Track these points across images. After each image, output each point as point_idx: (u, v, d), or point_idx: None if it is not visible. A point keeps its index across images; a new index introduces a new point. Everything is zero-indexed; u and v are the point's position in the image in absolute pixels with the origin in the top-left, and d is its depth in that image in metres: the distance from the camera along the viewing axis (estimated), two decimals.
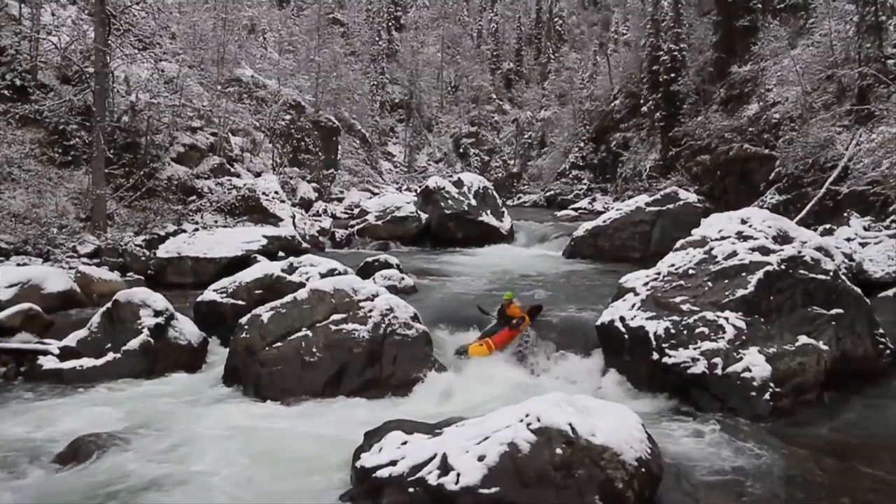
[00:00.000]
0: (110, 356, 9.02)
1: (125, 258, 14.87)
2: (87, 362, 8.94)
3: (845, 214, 16.04)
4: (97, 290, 12.26)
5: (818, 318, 8.27)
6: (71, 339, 9.36)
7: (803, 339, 7.88)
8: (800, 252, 8.68)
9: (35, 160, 15.82)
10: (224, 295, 10.77)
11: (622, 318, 8.60)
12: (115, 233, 15.82)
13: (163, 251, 15.05)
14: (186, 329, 9.74)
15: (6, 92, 16.37)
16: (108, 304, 9.63)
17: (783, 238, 9.03)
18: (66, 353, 9.12)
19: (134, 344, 9.09)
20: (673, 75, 33.16)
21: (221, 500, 5.57)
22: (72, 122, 17.04)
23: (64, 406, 7.89)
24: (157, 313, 9.46)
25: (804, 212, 17.37)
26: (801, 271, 8.52)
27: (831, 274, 8.66)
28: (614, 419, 5.40)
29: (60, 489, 5.69)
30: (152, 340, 9.20)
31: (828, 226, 15.89)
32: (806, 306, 8.33)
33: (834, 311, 8.37)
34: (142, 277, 14.25)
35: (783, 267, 8.46)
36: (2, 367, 8.91)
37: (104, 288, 12.24)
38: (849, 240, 14.42)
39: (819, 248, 8.95)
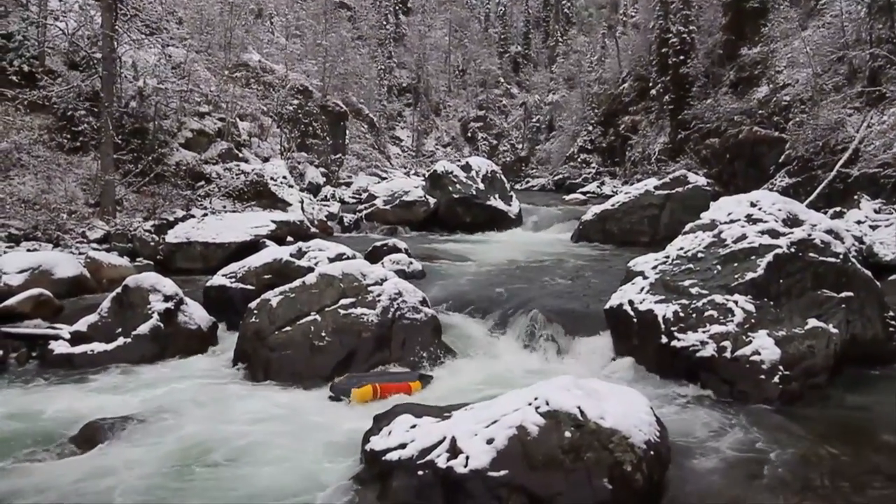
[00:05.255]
0: (121, 341, 9.06)
1: (134, 243, 14.92)
2: (97, 347, 8.98)
3: (856, 197, 15.96)
4: (107, 276, 12.29)
5: (828, 301, 8.24)
6: (81, 324, 9.40)
7: (813, 323, 7.85)
8: (810, 235, 8.65)
9: (44, 146, 15.85)
10: (233, 280, 10.81)
11: (631, 302, 8.59)
12: (124, 218, 15.87)
13: (172, 236, 15.07)
14: (196, 314, 9.77)
15: (14, 78, 16.37)
16: (118, 290, 9.67)
17: (793, 221, 9.00)
18: (76, 338, 9.16)
19: (144, 328, 9.13)
20: (682, 58, 32.99)
21: (232, 483, 5.61)
22: (80, 108, 17.06)
23: (76, 390, 7.94)
24: (166, 298, 9.49)
25: (814, 195, 17.30)
26: (811, 254, 8.49)
27: (841, 257, 8.63)
28: (623, 402, 5.41)
29: (74, 473, 5.72)
30: (162, 325, 9.24)
31: (838, 208, 15.81)
32: (816, 289, 8.30)
33: (844, 295, 8.34)
34: (151, 263, 14.30)
35: (793, 250, 8.43)
36: (14, 352, 8.95)
37: (114, 273, 12.28)
38: (859, 222, 14.35)
39: (829, 231, 8.92)
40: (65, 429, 6.67)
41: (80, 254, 13.32)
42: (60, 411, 7.21)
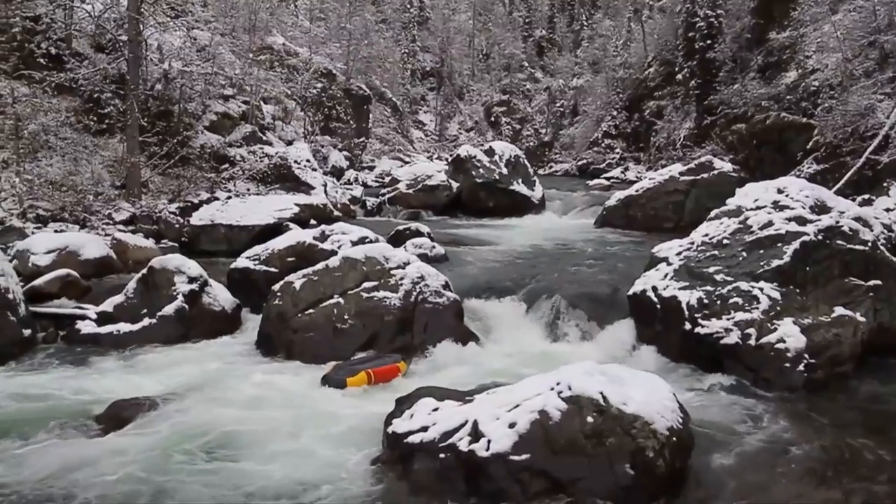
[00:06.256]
0: (146, 321, 9.17)
1: (159, 225, 15.05)
2: (123, 327, 9.10)
3: (885, 184, 15.71)
4: (132, 257, 12.42)
5: (855, 289, 8.14)
6: (108, 305, 9.52)
7: (839, 311, 7.77)
8: (837, 222, 8.54)
9: (71, 128, 15.97)
10: (257, 262, 10.86)
11: (654, 288, 8.55)
12: (150, 200, 16.01)
13: (196, 219, 15.19)
14: (220, 296, 9.85)
15: (42, 60, 16.50)
16: (144, 271, 9.77)
17: (821, 208, 8.88)
18: (103, 319, 9.28)
19: (169, 310, 9.22)
20: (709, 42, 32.52)
21: (255, 465, 5.65)
22: (106, 91, 17.16)
23: (102, 370, 8.05)
24: (191, 280, 9.57)
25: (842, 181, 17.00)
26: (839, 242, 8.39)
27: (870, 244, 8.51)
28: (646, 388, 5.39)
29: (100, 451, 5.80)
30: (187, 306, 9.32)
31: (867, 196, 15.57)
32: (843, 277, 8.21)
33: (872, 283, 8.24)
34: (176, 244, 14.40)
35: (820, 237, 8.34)
36: (42, 332, 9.10)
37: (139, 255, 12.40)
38: (888, 210, 14.09)
39: (857, 219, 8.79)
40: (91, 408, 6.77)
41: (106, 235, 13.47)
42: (87, 390, 7.33)
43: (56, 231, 13.06)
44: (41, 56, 16.60)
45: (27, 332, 8.74)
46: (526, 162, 24.08)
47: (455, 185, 22.24)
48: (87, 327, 9.13)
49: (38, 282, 10.32)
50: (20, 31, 16.12)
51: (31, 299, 9.62)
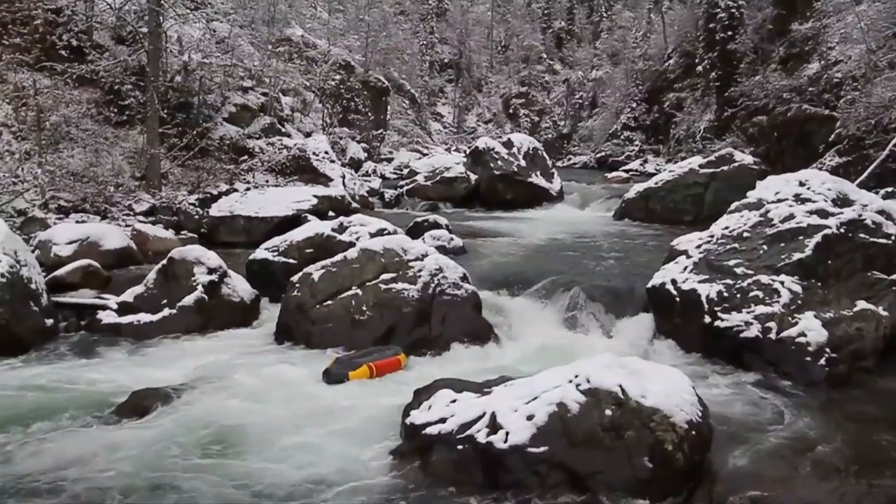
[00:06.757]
0: (166, 312, 9.21)
1: (179, 216, 15.17)
2: (143, 317, 9.14)
3: None
4: (152, 248, 12.54)
5: (878, 283, 8.06)
6: (128, 295, 9.58)
7: (862, 305, 7.68)
8: (860, 215, 8.45)
9: (92, 120, 16.12)
10: (275, 253, 10.91)
11: (674, 281, 8.50)
12: (169, 191, 16.13)
13: (215, 210, 15.29)
14: (239, 286, 9.88)
15: (63, 52, 16.64)
16: (164, 262, 9.82)
17: (843, 201, 8.78)
18: (123, 309, 9.35)
19: (189, 300, 9.27)
20: (730, 33, 32.31)
21: (274, 456, 5.66)
22: (126, 83, 17.29)
23: (123, 359, 8.11)
24: (210, 271, 9.61)
25: (865, 174, 16.84)
26: (862, 235, 8.30)
27: (893, 238, 8.42)
28: (665, 381, 5.35)
29: (122, 441, 5.83)
30: (206, 297, 9.36)
31: (890, 188, 15.42)
32: (865, 271, 8.13)
33: (895, 276, 8.15)
34: (195, 236, 14.50)
35: (842, 230, 8.26)
36: (63, 321, 9.18)
37: (159, 245, 12.52)
38: None
39: (881, 212, 8.69)
40: (111, 397, 6.79)
41: (126, 226, 13.59)
42: (107, 380, 7.37)
43: (77, 222, 13.19)
44: (63, 48, 16.73)
45: (49, 321, 8.81)
46: (544, 154, 24.05)
47: (473, 177, 22.24)
48: (107, 317, 9.20)
49: (59, 272, 10.43)
50: (42, 24, 16.24)
51: (53, 289, 9.70)
